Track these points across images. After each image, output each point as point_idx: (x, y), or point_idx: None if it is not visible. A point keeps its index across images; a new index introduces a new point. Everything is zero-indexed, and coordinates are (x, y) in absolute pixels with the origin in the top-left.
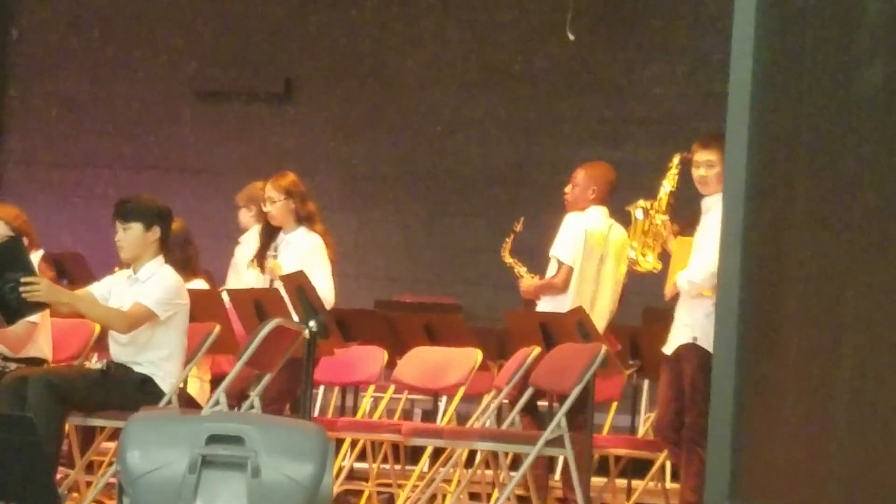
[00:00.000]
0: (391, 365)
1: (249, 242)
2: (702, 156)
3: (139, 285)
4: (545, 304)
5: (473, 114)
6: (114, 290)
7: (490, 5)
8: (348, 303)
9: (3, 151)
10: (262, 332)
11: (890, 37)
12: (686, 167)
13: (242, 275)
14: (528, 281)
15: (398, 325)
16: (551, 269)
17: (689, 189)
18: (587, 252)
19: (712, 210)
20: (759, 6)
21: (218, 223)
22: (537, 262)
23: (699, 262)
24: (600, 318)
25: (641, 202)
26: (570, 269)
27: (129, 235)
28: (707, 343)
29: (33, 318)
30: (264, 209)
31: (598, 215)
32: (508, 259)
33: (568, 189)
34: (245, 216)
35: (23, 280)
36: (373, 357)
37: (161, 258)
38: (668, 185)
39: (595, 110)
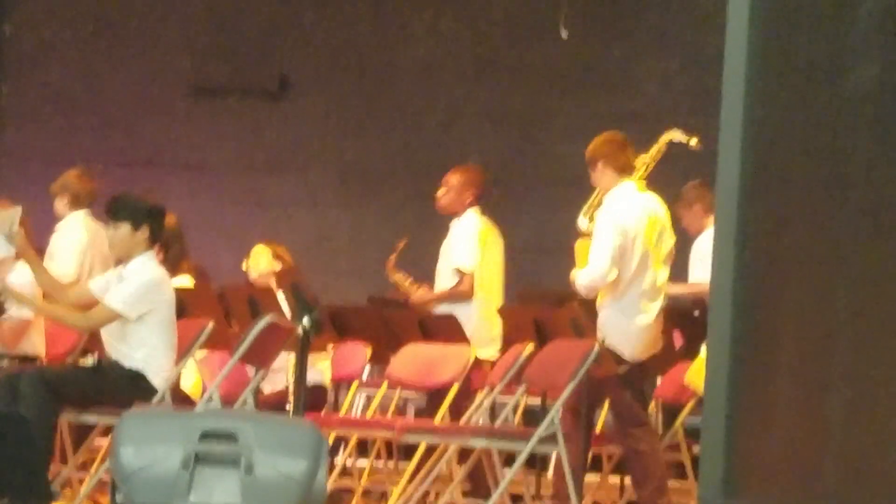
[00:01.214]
0: (385, 361)
1: (62, 231)
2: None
3: (121, 282)
4: (445, 310)
5: (468, 109)
6: (110, 286)
7: (483, 1)
8: (342, 299)
9: None
10: (256, 329)
11: (882, 34)
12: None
13: (58, 264)
14: (421, 293)
15: (392, 322)
16: (445, 278)
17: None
18: (485, 254)
19: (602, 209)
20: (752, 3)
21: (212, 219)
22: (536, 258)
23: (587, 266)
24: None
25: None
26: (473, 276)
27: (118, 234)
28: (612, 344)
29: (26, 313)
30: None
31: (476, 217)
32: (394, 275)
33: (441, 193)
34: (60, 204)
35: None
36: (357, 352)
37: (150, 254)
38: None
39: (589, 106)
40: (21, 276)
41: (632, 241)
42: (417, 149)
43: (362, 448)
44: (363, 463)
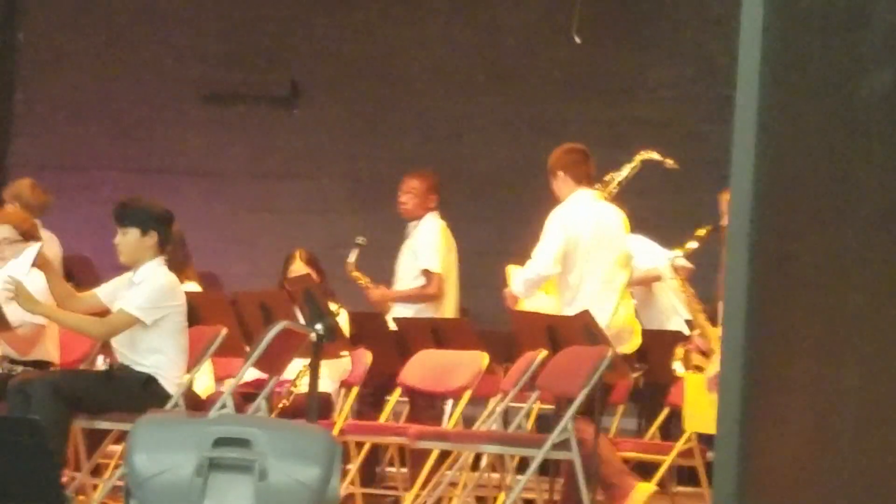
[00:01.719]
0: (395, 368)
1: None
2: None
3: (133, 288)
4: (403, 311)
5: (479, 116)
6: (118, 293)
7: (496, 7)
8: (354, 306)
9: (10, 154)
10: (270, 335)
11: None
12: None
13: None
14: (381, 291)
15: (404, 329)
16: (407, 279)
17: None
18: (446, 257)
19: (552, 214)
20: (766, 9)
21: (224, 225)
22: None
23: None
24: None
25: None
26: (441, 276)
27: (126, 240)
28: None
29: (39, 320)
30: None
31: (438, 221)
32: (354, 273)
33: (405, 198)
34: None
35: (4, 280)
36: (358, 359)
37: (159, 260)
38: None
39: (601, 113)
40: (34, 284)
41: (576, 246)
42: (429, 155)
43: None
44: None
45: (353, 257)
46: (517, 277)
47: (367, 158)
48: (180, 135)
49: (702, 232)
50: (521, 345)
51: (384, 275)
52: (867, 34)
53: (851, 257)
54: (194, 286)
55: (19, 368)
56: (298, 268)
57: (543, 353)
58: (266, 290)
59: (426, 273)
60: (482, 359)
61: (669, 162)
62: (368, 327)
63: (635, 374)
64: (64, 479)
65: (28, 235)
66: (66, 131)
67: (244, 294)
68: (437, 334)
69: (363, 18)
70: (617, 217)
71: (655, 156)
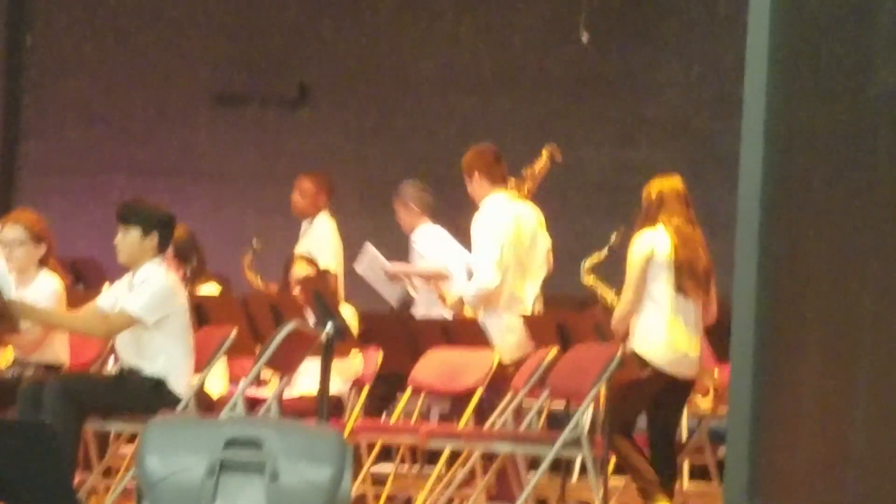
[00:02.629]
0: (408, 367)
1: None
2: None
3: (133, 289)
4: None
5: (487, 117)
6: (119, 296)
7: (504, 8)
8: (364, 306)
9: (19, 158)
10: (280, 335)
11: None
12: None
13: None
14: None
15: (415, 328)
16: None
17: None
18: (338, 255)
19: (476, 220)
20: (773, 8)
21: (234, 228)
22: (560, 264)
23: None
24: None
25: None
26: (337, 276)
27: (127, 240)
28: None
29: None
30: None
31: (330, 219)
32: (247, 273)
33: (297, 197)
34: None
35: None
36: (369, 358)
37: (158, 260)
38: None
39: (609, 112)
40: (42, 289)
41: (507, 251)
42: (437, 156)
43: (386, 453)
44: (388, 468)
45: (247, 259)
46: (467, 293)
47: (376, 160)
48: (189, 137)
49: (614, 240)
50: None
51: None
52: (874, 33)
53: (860, 256)
54: (213, 287)
55: (29, 371)
56: (303, 270)
57: (554, 351)
58: (276, 291)
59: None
60: (493, 357)
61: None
62: (379, 326)
63: (645, 374)
64: (75, 482)
65: (38, 237)
66: (75, 134)
67: (254, 295)
68: (448, 333)
69: (371, 21)
70: (535, 216)
71: (556, 149)
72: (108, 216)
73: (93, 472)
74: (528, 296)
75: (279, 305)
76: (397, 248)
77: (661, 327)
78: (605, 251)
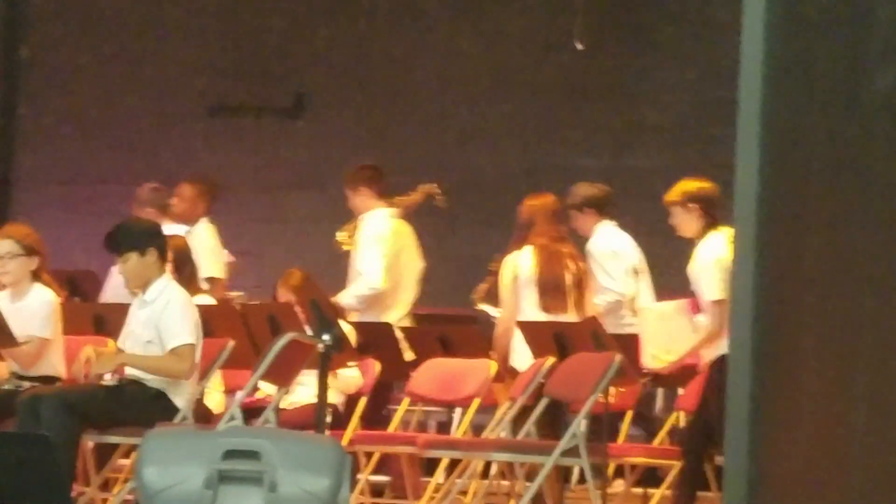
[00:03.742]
0: (404, 377)
1: None
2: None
3: (149, 308)
4: None
5: (484, 123)
6: (131, 319)
7: (500, 15)
8: (363, 315)
9: (15, 169)
10: (277, 347)
11: None
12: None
13: None
14: None
15: (413, 337)
16: None
17: None
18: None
19: (359, 227)
20: (768, 12)
21: (230, 238)
22: None
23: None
24: None
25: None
26: (224, 281)
27: (129, 266)
28: None
29: (45, 334)
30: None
31: (210, 226)
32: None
33: (175, 203)
34: None
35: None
36: (366, 369)
37: (167, 276)
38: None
39: (605, 117)
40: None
41: (395, 259)
42: (435, 163)
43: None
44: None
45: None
46: (352, 294)
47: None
48: (186, 147)
49: (494, 266)
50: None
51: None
52: (871, 34)
53: (859, 258)
54: (206, 298)
55: (27, 384)
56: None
57: (551, 360)
58: (274, 302)
59: (210, 280)
60: (490, 366)
61: (440, 200)
62: (375, 336)
63: (643, 380)
64: (74, 494)
65: (31, 250)
66: (71, 145)
67: (252, 306)
68: (445, 342)
69: (367, 28)
70: (412, 236)
71: (436, 190)
72: (105, 227)
73: (91, 484)
74: (399, 310)
75: (277, 316)
76: None
77: None
78: (487, 278)
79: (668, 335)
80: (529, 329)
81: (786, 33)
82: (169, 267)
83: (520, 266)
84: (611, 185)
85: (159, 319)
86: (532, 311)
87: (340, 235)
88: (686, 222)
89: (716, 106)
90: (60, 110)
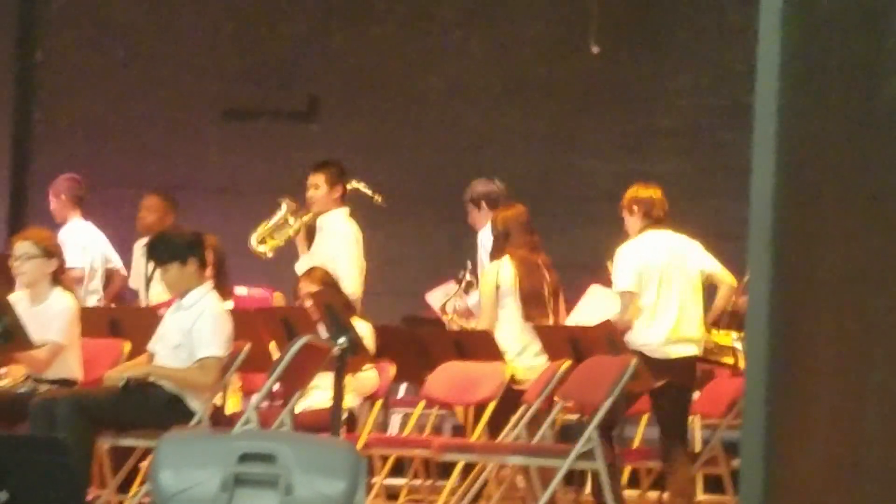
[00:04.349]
0: (420, 381)
1: None
2: (312, 178)
3: (184, 313)
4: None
5: (498, 128)
6: (165, 321)
7: (513, 19)
8: (376, 319)
9: (29, 174)
10: (293, 350)
11: None
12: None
13: None
14: None
15: (427, 341)
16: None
17: None
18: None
19: (324, 228)
20: (784, 17)
21: (243, 242)
22: (567, 274)
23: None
24: None
25: (289, 200)
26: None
27: (170, 276)
28: None
29: (61, 339)
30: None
31: (82, 223)
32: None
33: (144, 214)
34: None
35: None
36: (382, 372)
37: (208, 285)
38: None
39: (619, 122)
40: (55, 307)
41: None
42: (448, 168)
43: (393, 469)
44: (393, 481)
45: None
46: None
47: (386, 173)
48: (199, 152)
49: (462, 275)
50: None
51: (404, 288)
52: (886, 39)
53: (875, 263)
54: (231, 304)
55: (43, 387)
56: (307, 288)
57: (567, 363)
58: (288, 306)
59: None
60: (505, 370)
61: (378, 198)
62: (391, 340)
63: (659, 384)
64: (89, 497)
65: (48, 253)
66: (85, 150)
67: (266, 310)
68: (460, 346)
69: (380, 33)
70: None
71: (364, 188)
72: (119, 231)
73: (107, 487)
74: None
75: (291, 320)
76: (407, 259)
77: (512, 349)
78: (455, 288)
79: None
80: (545, 333)
81: (801, 39)
82: (209, 271)
83: (501, 276)
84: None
85: (192, 326)
86: (512, 320)
87: (271, 243)
88: (631, 224)
89: (729, 111)
90: (74, 115)
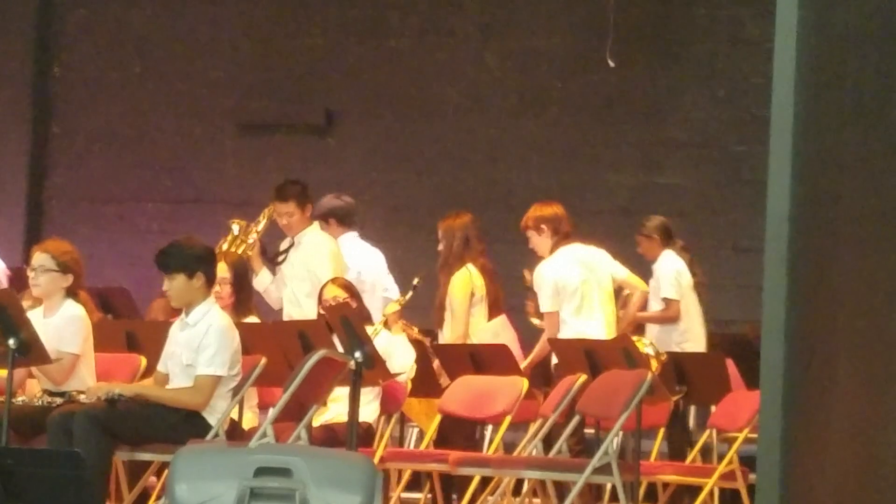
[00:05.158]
0: (437, 394)
1: None
2: (281, 208)
3: (190, 331)
4: None
5: (514, 141)
6: (171, 340)
7: (528, 33)
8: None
9: (47, 187)
10: (309, 364)
11: None
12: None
13: None
14: None
15: (444, 355)
16: None
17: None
18: None
19: (302, 243)
20: (800, 30)
21: None
22: None
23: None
24: None
25: (238, 221)
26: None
27: (175, 286)
28: None
29: (73, 349)
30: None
31: None
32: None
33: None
34: None
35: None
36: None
37: (211, 300)
38: (263, 221)
39: (635, 135)
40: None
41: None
42: (464, 182)
43: (409, 484)
44: (410, 496)
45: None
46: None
47: (403, 186)
48: (216, 165)
49: (417, 281)
50: (560, 369)
51: (421, 302)
52: None
53: (891, 278)
54: (254, 319)
55: (58, 400)
56: (333, 293)
57: (583, 377)
58: (305, 319)
59: None
60: (522, 384)
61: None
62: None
63: (675, 397)
64: None
65: (65, 267)
66: (102, 163)
67: (283, 323)
68: (476, 360)
69: (396, 46)
70: None
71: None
72: (136, 244)
73: (123, 501)
74: None
75: (308, 333)
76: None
77: None
78: (409, 294)
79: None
80: (561, 346)
81: (817, 52)
82: (228, 290)
83: (476, 283)
84: (640, 202)
85: (199, 343)
86: (482, 327)
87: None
88: (540, 243)
89: (744, 123)
90: (91, 128)
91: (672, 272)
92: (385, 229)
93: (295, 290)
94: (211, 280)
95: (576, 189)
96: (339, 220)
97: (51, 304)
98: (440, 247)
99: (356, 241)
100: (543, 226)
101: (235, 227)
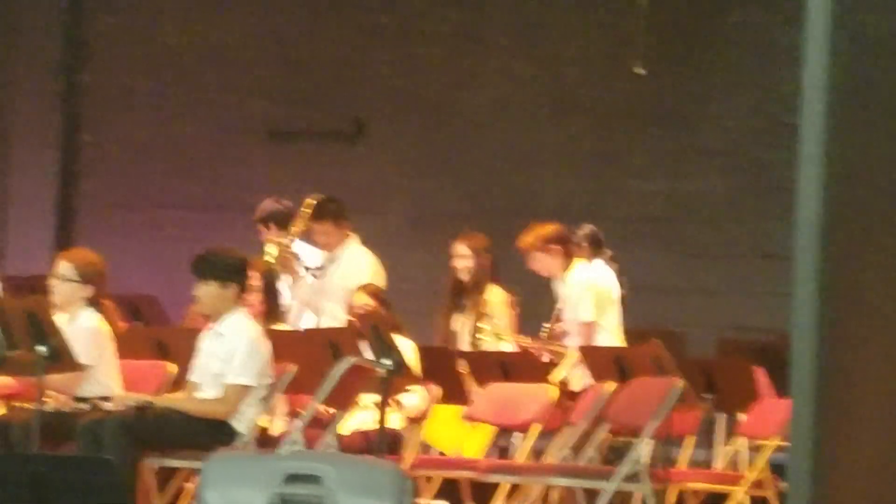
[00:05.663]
0: (465, 402)
1: None
2: (317, 228)
3: (221, 341)
4: None
5: (543, 148)
6: (201, 349)
7: (557, 40)
8: (421, 340)
9: (77, 195)
10: (338, 371)
11: None
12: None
13: None
14: None
15: (472, 362)
16: None
17: None
18: None
19: (341, 258)
20: (831, 36)
21: None
22: None
23: None
24: None
25: (270, 240)
26: None
27: (207, 292)
28: None
29: (82, 360)
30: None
31: None
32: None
33: None
34: None
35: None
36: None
37: (242, 312)
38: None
39: (665, 143)
40: (81, 325)
41: None
42: (493, 190)
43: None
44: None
45: None
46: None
47: (431, 194)
48: (245, 172)
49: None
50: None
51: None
52: None
53: None
54: (284, 327)
55: (84, 406)
56: (362, 300)
57: (612, 384)
58: (334, 327)
59: None
60: (551, 391)
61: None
62: (437, 362)
63: (704, 405)
64: None
65: (87, 279)
66: (132, 171)
67: (312, 331)
68: (505, 367)
69: (425, 54)
70: None
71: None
72: (166, 252)
73: None
74: None
75: (337, 340)
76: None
77: None
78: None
79: None
80: (590, 354)
81: (848, 58)
82: (258, 297)
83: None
84: (669, 209)
85: (229, 352)
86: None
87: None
88: (549, 264)
89: (774, 130)
90: (121, 136)
91: (590, 289)
92: (413, 235)
93: (334, 306)
94: (243, 291)
95: (604, 196)
96: (279, 224)
97: (71, 312)
98: (459, 262)
99: (298, 244)
100: (552, 246)
101: (273, 249)
